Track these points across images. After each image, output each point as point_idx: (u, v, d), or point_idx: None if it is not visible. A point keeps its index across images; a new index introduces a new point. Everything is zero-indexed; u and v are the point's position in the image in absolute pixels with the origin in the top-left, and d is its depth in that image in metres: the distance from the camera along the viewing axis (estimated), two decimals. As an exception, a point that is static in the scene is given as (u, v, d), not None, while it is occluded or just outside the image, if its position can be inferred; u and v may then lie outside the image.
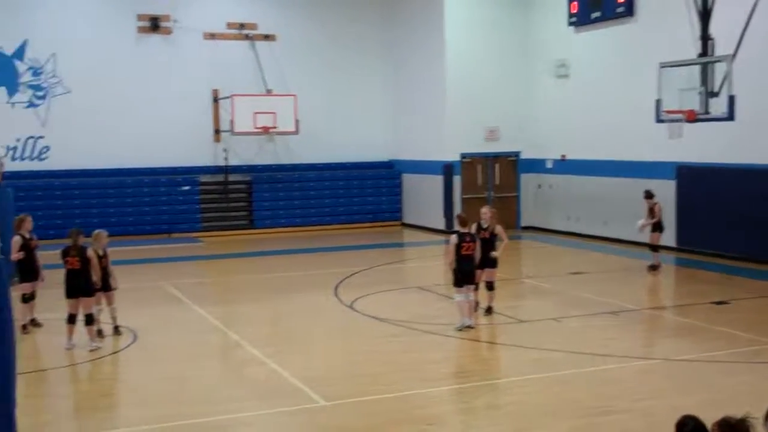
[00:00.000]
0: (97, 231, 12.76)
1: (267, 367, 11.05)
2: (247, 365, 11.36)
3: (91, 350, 11.80)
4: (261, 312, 15.17)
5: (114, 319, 12.80)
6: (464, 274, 12.72)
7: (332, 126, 26.72)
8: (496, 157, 25.27)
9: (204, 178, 25.45)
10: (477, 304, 13.65)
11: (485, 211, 13.74)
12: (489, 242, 13.42)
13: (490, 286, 13.73)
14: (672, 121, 16.77)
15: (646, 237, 18.10)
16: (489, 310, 13.75)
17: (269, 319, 14.72)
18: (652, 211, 17.66)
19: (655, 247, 17.82)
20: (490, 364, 11.63)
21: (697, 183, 19.52)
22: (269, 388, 10.18)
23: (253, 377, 10.78)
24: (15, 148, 23.70)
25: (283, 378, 10.51)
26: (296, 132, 24.89)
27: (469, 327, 12.72)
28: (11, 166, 22.12)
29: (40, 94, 24.11)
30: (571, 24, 23.20)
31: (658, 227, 17.69)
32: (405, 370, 10.87)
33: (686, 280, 17.74)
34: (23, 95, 23.96)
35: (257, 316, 14.83)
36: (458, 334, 12.53)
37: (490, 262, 13.47)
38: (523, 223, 25.55)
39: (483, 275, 13.58)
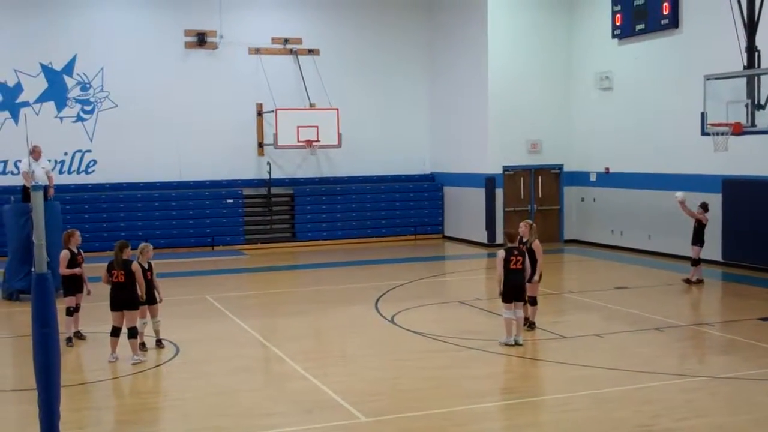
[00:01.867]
0: (143, 244, 12.88)
1: (308, 381, 11.08)
2: (288, 380, 11.38)
3: (134, 363, 11.92)
4: (302, 326, 15.20)
5: (157, 332, 12.90)
6: (513, 289, 12.65)
7: (374, 139, 26.82)
8: (539, 169, 25.14)
9: (247, 191, 25.67)
10: (527, 319, 13.58)
11: (521, 226, 13.74)
12: (527, 256, 13.34)
13: (532, 301, 13.66)
14: (717, 134, 16.55)
15: (687, 249, 17.87)
16: (531, 325, 13.67)
17: (311, 333, 14.75)
18: (699, 222, 17.58)
19: (695, 261, 17.62)
20: (532, 381, 11.53)
21: (743, 196, 19.20)
22: (309, 403, 10.18)
23: (293, 392, 10.79)
24: (62, 162, 24.12)
25: (324, 393, 10.53)
26: (339, 145, 25.01)
27: (517, 344, 12.63)
28: (58, 179, 22.44)
29: (88, 108, 24.51)
30: (615, 36, 23.04)
31: (699, 240, 17.55)
32: (446, 386, 10.84)
33: (732, 295, 17.46)
34: (71, 110, 24.37)
35: (299, 329, 14.86)
36: (499, 349, 12.46)
37: (532, 278, 13.40)
38: (566, 237, 25.35)
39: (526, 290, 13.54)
